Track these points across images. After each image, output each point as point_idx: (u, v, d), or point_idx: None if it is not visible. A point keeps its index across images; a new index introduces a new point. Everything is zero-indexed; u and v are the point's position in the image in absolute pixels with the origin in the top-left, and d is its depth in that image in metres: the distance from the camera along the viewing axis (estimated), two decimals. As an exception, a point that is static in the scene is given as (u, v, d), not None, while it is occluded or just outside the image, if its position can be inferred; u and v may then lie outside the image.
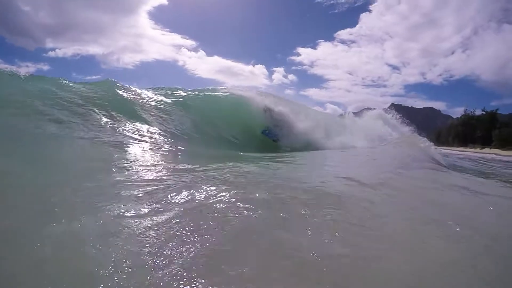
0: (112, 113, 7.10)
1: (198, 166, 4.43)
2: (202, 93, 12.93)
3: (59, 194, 2.56)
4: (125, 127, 6.67)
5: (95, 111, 6.82)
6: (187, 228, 2.06)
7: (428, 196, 3.85)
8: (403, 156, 7.98)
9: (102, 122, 6.46)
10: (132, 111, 7.94)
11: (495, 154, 30.41)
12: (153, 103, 9.31)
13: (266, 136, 12.19)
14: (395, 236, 2.32)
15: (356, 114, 20.06)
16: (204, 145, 7.88)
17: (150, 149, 5.51)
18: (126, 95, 8.99)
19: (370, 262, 1.83)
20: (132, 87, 10.12)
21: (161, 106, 9.39)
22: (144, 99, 9.45)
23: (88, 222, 2.06)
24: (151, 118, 8.01)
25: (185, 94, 11.90)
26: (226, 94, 13.35)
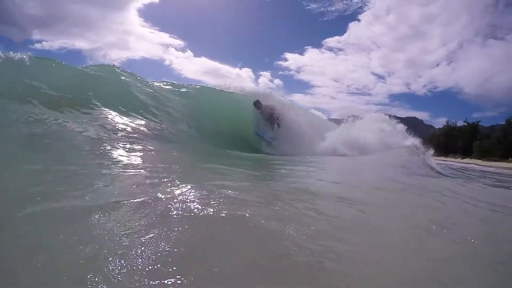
0: (108, 100, 6.81)
1: (182, 160, 4.52)
2: (202, 86, 11.89)
3: (40, 179, 2.56)
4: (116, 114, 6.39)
5: (90, 97, 6.56)
6: (164, 221, 2.00)
7: (422, 201, 3.99)
8: (402, 163, 8.24)
9: (95, 110, 6.20)
10: (128, 96, 7.67)
11: (476, 164, 31.10)
12: (152, 94, 8.80)
13: (262, 138, 10.39)
14: (392, 238, 2.34)
15: (356, 118, 17.71)
16: (193, 139, 7.68)
17: (138, 141, 5.30)
18: (123, 81, 8.60)
19: (369, 264, 1.81)
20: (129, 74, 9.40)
21: (162, 98, 8.91)
22: (143, 87, 8.91)
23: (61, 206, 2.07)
24: (148, 109, 7.67)
25: (184, 87, 10.95)
26: (228, 91, 11.92)
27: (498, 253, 2.27)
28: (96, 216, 1.96)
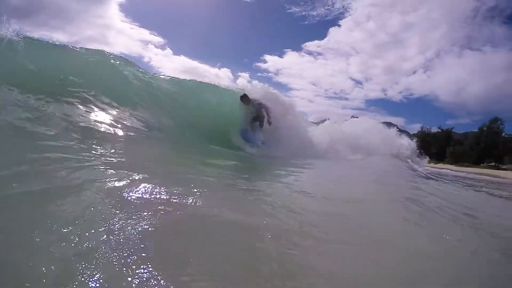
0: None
1: (161, 152, 4.44)
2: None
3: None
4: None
5: (77, 79, 6.10)
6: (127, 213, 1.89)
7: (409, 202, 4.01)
8: (390, 167, 8.47)
9: (83, 94, 5.77)
10: (118, 83, 7.21)
11: (450, 169, 32.21)
12: (145, 84, 8.16)
13: (246, 141, 8.68)
14: (380, 237, 2.35)
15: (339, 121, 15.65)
16: (180, 133, 7.14)
17: (122, 129, 5.09)
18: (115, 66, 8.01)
19: (367, 266, 1.80)
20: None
21: (154, 89, 8.31)
22: (136, 76, 8.24)
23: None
24: (137, 98, 7.20)
25: (179, 81, 9.96)
26: (222, 87, 10.50)
27: (491, 251, 2.38)
28: (67, 203, 1.90)
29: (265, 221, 2.15)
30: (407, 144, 13.92)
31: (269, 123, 8.97)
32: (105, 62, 7.83)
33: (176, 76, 10.29)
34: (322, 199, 3.31)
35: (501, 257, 2.32)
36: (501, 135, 64.99)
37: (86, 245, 1.46)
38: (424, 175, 9.41)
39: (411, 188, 5.52)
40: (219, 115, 8.99)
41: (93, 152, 3.39)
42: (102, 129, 4.60)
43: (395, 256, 2.01)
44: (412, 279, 1.73)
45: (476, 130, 70.08)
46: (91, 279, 1.24)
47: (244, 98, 8.98)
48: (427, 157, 12.64)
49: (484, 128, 66.90)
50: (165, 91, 8.63)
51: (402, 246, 2.21)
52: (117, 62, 8.16)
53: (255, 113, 9.04)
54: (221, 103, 9.51)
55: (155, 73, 9.74)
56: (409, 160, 11.12)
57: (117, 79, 7.36)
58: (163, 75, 9.77)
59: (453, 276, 1.85)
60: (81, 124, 4.43)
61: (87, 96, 5.73)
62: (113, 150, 3.69)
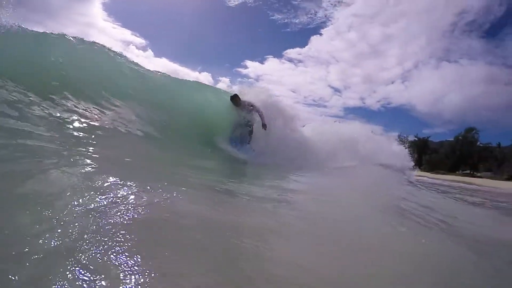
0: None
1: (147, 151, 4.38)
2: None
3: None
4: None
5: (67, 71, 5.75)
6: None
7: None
8: (382, 174, 8.74)
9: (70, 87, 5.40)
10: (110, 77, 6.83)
11: (427, 177, 33.08)
12: (140, 80, 7.70)
13: (235, 147, 7.86)
14: (377, 242, 2.37)
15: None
16: (173, 133, 6.78)
17: (112, 125, 4.94)
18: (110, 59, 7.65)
19: (358, 267, 1.81)
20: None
21: (149, 85, 7.86)
22: (132, 70, 7.84)
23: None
24: (130, 95, 6.80)
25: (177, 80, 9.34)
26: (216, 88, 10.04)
27: (473, 256, 2.48)
28: (43, 193, 1.85)
29: (250, 222, 2.16)
30: (399, 151, 13.63)
31: (264, 127, 8.17)
32: (98, 53, 7.47)
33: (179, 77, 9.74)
34: (313, 203, 3.35)
35: (483, 260, 2.42)
36: (476, 144, 67.36)
37: (66, 237, 1.41)
38: (411, 183, 9.61)
39: (400, 196, 5.60)
40: (213, 116, 8.48)
41: (73, 140, 3.35)
42: (88, 120, 4.49)
43: (388, 258, 2.06)
44: (405, 280, 1.78)
45: (452, 139, 72.47)
46: (73, 271, 1.18)
47: (235, 98, 8.31)
48: (418, 167, 12.62)
49: (460, 137, 69.27)
50: (161, 88, 8.24)
51: (394, 249, 2.26)
52: (111, 54, 7.84)
53: (246, 117, 8.26)
54: (217, 104, 9.04)
55: (155, 72, 9.18)
56: (401, 170, 11.22)
57: (109, 71, 7.10)
58: (157, 71, 9.27)
59: (440, 279, 1.89)
60: (66, 115, 4.32)
61: (76, 84, 5.53)
62: (95, 142, 3.60)
